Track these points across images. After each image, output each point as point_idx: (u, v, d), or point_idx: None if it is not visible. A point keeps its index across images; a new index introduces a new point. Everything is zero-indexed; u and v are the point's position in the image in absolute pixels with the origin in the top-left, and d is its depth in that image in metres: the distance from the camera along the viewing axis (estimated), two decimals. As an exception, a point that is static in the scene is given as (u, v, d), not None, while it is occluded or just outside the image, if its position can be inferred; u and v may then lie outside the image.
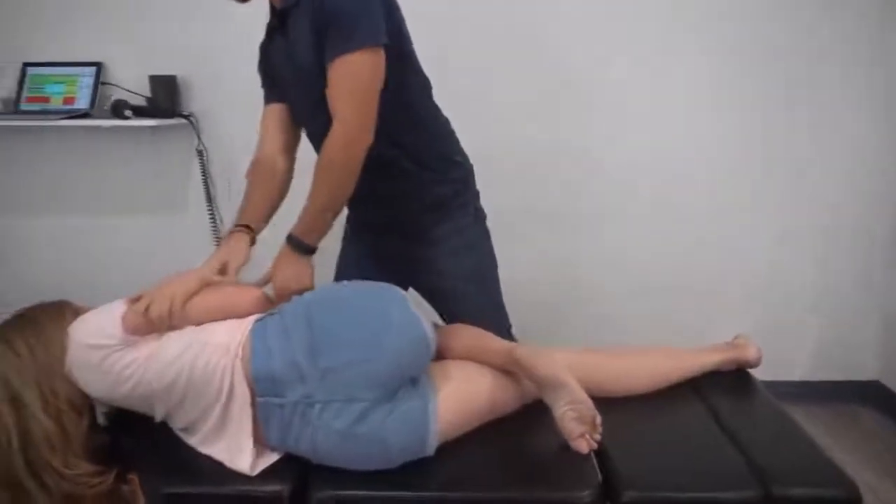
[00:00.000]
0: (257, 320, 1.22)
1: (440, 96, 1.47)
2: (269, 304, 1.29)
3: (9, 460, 1.08)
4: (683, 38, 2.11)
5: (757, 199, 2.22)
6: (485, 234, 1.55)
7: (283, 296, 1.32)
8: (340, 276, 1.64)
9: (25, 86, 2.16)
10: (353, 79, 1.21)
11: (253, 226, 1.43)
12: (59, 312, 1.22)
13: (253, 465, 1.14)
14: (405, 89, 1.35)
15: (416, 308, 1.25)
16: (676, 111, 2.18)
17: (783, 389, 2.25)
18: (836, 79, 2.12)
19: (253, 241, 1.42)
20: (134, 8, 2.13)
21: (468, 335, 1.36)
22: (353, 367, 1.13)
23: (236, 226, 1.42)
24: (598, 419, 1.17)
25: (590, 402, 1.16)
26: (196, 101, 2.20)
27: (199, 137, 2.19)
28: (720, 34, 2.10)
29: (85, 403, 1.17)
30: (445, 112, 1.49)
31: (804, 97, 2.13)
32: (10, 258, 2.36)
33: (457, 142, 1.51)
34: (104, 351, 1.12)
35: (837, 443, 2.02)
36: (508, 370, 1.27)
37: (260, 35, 2.08)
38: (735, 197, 2.23)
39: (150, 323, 1.15)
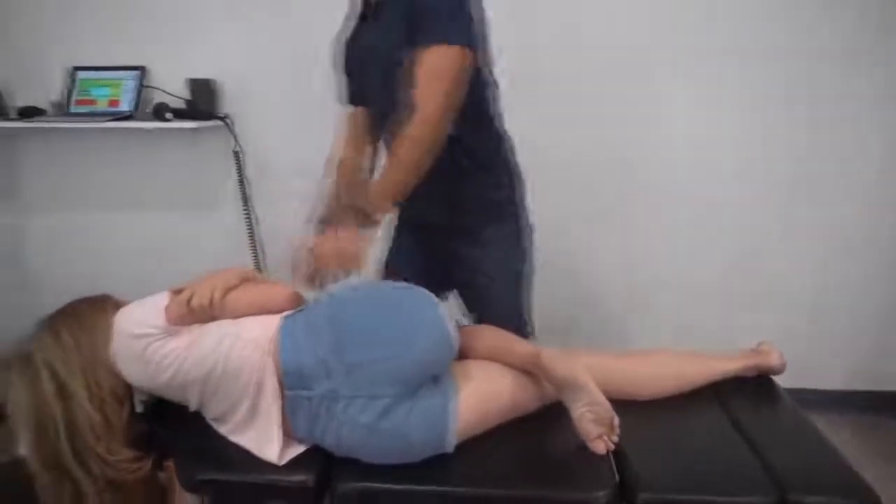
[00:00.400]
0: (286, 316, 1.28)
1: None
2: (301, 301, 1.35)
3: (57, 448, 1.16)
4: (718, 38, 2.10)
5: (801, 203, 2.20)
6: (530, 242, 1.57)
7: (323, 260, 1.31)
8: (390, 266, 1.68)
9: (75, 89, 2.27)
10: (442, 68, 1.25)
11: None
12: (102, 306, 1.29)
13: (281, 455, 1.19)
14: (476, 90, 1.38)
15: (441, 308, 1.29)
16: (715, 115, 2.17)
17: (815, 398, 2.25)
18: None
19: None
20: (175, 15, 2.20)
21: (492, 336, 1.39)
22: (376, 364, 1.18)
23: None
24: (616, 421, 1.19)
25: (607, 404, 1.18)
26: (232, 103, 2.27)
27: (235, 139, 2.27)
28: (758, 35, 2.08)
29: (126, 393, 1.24)
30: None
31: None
32: (60, 249, 2.49)
33: (514, 150, 1.54)
34: (147, 340, 1.19)
35: (868, 455, 1.98)
36: (529, 371, 1.30)
37: (291, 41, 2.15)
38: (779, 202, 2.20)
39: (191, 313, 1.23)
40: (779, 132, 2.15)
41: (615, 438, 1.20)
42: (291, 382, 1.20)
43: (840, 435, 1.53)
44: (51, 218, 2.47)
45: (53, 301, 1.35)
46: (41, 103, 2.26)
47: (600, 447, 1.18)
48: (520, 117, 1.51)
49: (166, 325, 1.21)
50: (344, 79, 1.57)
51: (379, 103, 1.48)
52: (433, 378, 1.24)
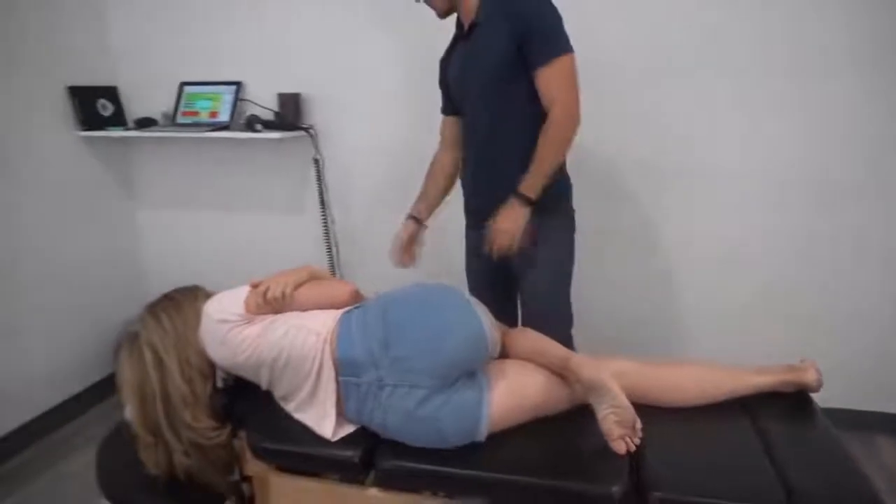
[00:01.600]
0: (345, 312, 1.46)
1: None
2: (360, 298, 1.52)
3: (154, 411, 1.38)
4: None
5: (852, 220, 2.15)
6: (572, 240, 1.77)
7: (499, 236, 1.60)
8: (468, 258, 1.92)
9: (182, 102, 2.57)
10: (567, 74, 1.55)
11: (421, 217, 1.91)
12: (195, 295, 1.52)
13: (334, 433, 1.37)
14: None
15: (477, 308, 1.42)
16: (745, 143, 2.14)
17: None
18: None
19: (420, 227, 1.92)
20: (270, 35, 2.45)
21: (531, 339, 1.51)
22: (415, 358, 1.33)
23: (408, 216, 1.91)
24: (639, 424, 1.28)
25: (631, 408, 1.27)
26: (315, 115, 2.49)
27: (316, 147, 2.49)
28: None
29: (210, 371, 1.46)
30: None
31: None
32: (165, 243, 2.83)
33: None
34: (228, 325, 1.40)
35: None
36: (561, 374, 1.40)
37: (370, 58, 2.33)
38: (832, 218, 2.15)
39: (266, 304, 1.43)
40: (806, 156, 2.11)
41: (637, 440, 1.28)
42: (345, 370, 1.37)
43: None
44: (159, 215, 2.81)
45: (157, 287, 1.60)
46: (154, 114, 2.59)
47: (621, 447, 1.27)
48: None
49: (245, 314, 1.41)
50: (443, 90, 1.83)
51: (474, 113, 1.71)
52: (469, 373, 1.37)
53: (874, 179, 2.08)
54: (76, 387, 2.52)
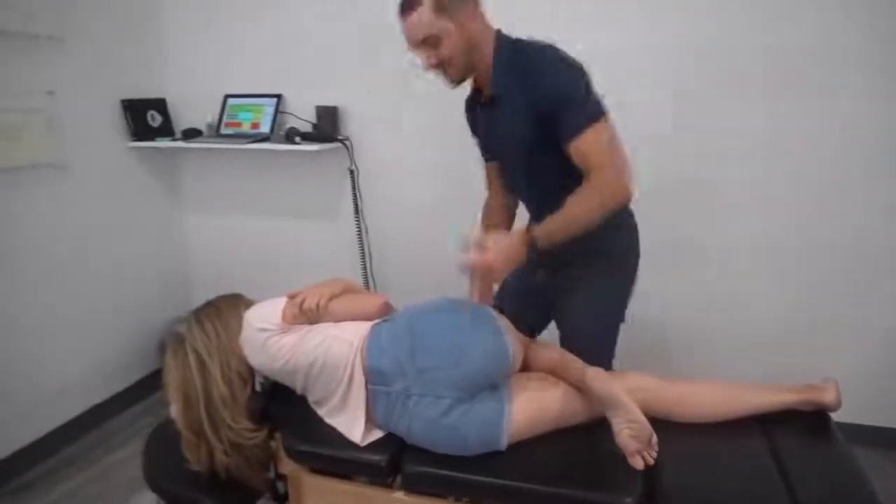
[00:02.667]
0: (376, 324, 1.54)
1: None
2: (390, 310, 1.60)
3: (197, 411, 1.48)
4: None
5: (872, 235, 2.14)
6: (627, 293, 1.67)
7: (485, 269, 1.39)
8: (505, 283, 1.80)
9: (225, 113, 2.70)
10: (599, 143, 1.37)
11: None
12: (236, 303, 1.61)
13: (363, 438, 1.45)
14: None
15: (501, 323, 1.48)
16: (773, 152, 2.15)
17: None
18: None
19: None
20: (309, 49, 2.56)
21: (553, 353, 1.56)
22: (439, 370, 1.40)
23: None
24: (654, 439, 1.33)
25: (646, 423, 1.32)
26: (351, 127, 2.59)
27: (351, 159, 2.59)
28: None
29: (249, 375, 1.55)
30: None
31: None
32: (207, 246, 2.97)
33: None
34: (267, 333, 1.49)
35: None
36: (579, 387, 1.46)
37: (406, 72, 2.39)
38: (875, 234, 2.14)
39: (302, 315, 1.51)
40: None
41: (653, 454, 1.33)
42: (374, 379, 1.45)
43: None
44: (204, 220, 2.95)
45: (202, 288, 1.68)
46: (199, 125, 2.73)
47: (638, 463, 1.32)
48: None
49: (282, 324, 1.50)
50: (480, 142, 1.73)
51: (515, 179, 1.66)
52: (492, 385, 1.44)
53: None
54: (121, 383, 2.67)
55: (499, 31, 1.51)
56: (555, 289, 1.69)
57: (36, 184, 2.24)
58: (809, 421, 1.51)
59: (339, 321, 1.54)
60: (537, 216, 1.56)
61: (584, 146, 1.37)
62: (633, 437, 1.32)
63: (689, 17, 2.11)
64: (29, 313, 2.26)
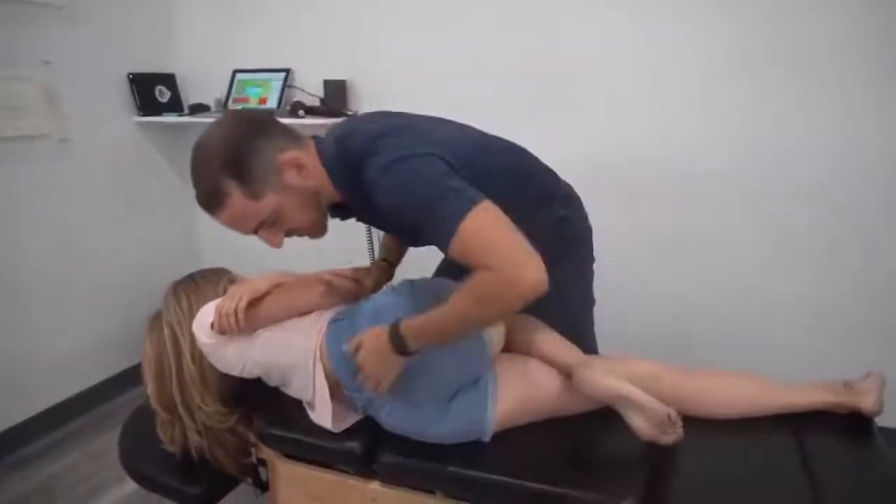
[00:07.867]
0: (333, 321, 1.35)
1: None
2: (333, 296, 1.40)
3: (169, 389, 1.39)
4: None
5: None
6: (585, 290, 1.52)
7: (365, 377, 1.21)
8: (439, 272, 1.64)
9: (233, 89, 2.62)
10: (476, 243, 1.05)
11: (392, 260, 1.64)
12: (217, 279, 1.49)
13: (337, 423, 1.33)
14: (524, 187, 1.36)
15: None
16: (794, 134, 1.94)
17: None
18: None
19: (391, 272, 1.63)
20: (318, 21, 2.46)
21: (540, 337, 1.37)
22: (410, 380, 1.23)
23: (381, 259, 1.63)
24: (673, 414, 1.16)
25: (656, 404, 1.16)
26: (360, 102, 2.48)
27: (360, 134, 2.47)
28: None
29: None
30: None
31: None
32: (214, 225, 2.87)
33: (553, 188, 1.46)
34: (209, 347, 1.34)
35: None
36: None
37: (418, 46, 2.25)
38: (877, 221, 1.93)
39: (222, 334, 1.30)
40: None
41: (679, 431, 1.17)
42: (344, 383, 1.31)
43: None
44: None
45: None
46: (208, 100, 2.65)
47: (666, 440, 1.17)
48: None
49: (217, 339, 1.32)
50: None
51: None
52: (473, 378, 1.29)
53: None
54: (120, 365, 2.61)
55: (315, 139, 1.28)
56: None
57: (37, 156, 2.19)
58: (846, 423, 1.30)
59: (280, 321, 1.34)
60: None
61: (460, 247, 1.05)
62: (648, 423, 1.17)
63: None
64: (29, 291, 2.23)
